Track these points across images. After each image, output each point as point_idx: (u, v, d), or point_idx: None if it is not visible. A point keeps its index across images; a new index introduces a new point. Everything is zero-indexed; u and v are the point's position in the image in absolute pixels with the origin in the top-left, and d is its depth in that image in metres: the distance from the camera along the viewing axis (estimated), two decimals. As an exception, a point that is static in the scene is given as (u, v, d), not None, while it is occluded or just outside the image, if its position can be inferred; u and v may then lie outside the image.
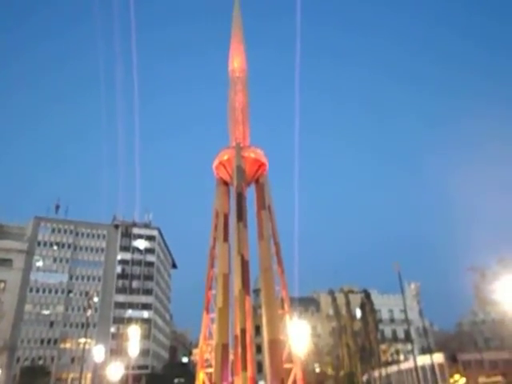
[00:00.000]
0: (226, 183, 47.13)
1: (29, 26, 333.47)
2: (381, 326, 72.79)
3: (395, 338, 77.83)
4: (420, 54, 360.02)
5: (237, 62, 50.42)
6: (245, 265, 40.01)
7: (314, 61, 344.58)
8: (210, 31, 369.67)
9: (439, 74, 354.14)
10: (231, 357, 41.80)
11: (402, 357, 71.20)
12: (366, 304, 63.64)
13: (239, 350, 38.00)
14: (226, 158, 45.63)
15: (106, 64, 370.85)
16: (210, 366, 42.27)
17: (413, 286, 44.69)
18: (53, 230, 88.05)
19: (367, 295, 65.36)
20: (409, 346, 68.89)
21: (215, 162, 46.32)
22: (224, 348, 39.20)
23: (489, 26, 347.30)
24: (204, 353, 44.06)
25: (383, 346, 67.32)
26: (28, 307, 79.53)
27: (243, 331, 37.86)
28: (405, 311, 40.19)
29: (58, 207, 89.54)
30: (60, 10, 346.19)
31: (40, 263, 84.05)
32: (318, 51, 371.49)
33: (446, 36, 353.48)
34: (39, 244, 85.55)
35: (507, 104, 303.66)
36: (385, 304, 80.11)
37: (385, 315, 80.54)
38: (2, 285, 76.95)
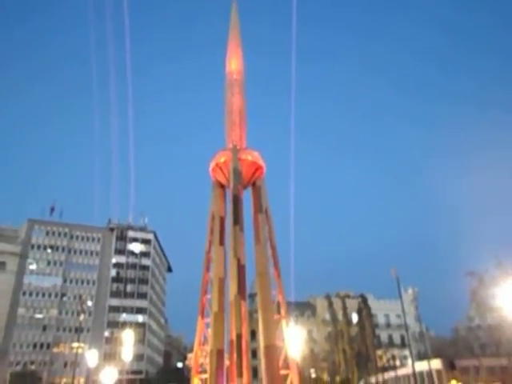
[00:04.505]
0: (222, 186, 46.64)
1: (24, 30, 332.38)
2: (377, 331, 72.26)
3: (391, 343, 77.20)
4: (420, 60, 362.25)
5: (234, 64, 50.08)
6: (241, 269, 39.45)
7: (310, 65, 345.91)
8: (204, 35, 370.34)
9: (438, 80, 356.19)
10: (226, 362, 41.18)
11: (398, 362, 70.73)
12: (363, 309, 63.23)
13: (235, 355, 37.38)
14: (222, 160, 45.15)
15: (100, 68, 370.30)
16: (205, 371, 41.62)
17: (410, 291, 44.32)
18: (47, 233, 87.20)
19: (364, 300, 64.94)
20: (405, 352, 68.52)
21: (212, 165, 45.82)
22: (219, 353, 38.55)
23: (492, 32, 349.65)
24: (199, 358, 43.42)
25: (379, 352, 66.76)
26: (21, 311, 78.57)
27: (239, 336, 37.24)
28: (403, 317, 39.76)
29: (52, 209, 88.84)
30: (54, 16, 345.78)
31: (33, 266, 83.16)
32: (314, 55, 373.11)
33: (447, 42, 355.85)
34: (33, 247, 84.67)
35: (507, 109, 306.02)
36: (381, 309, 79.61)
37: (381, 320, 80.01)
38: (-5, 288, 75.93)
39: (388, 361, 68.89)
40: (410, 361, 47.15)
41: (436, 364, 44.67)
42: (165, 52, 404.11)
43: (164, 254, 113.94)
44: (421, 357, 62.76)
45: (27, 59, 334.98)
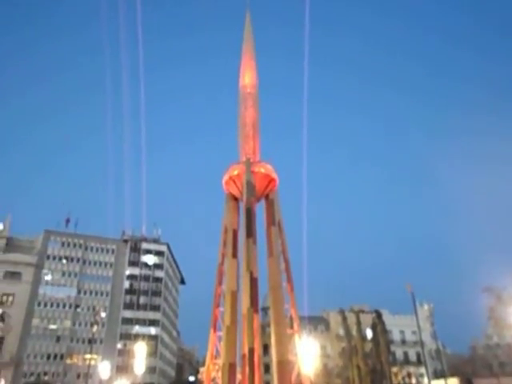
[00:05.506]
0: (235, 198, 46.76)
1: (27, 30, 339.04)
2: (392, 348, 70.83)
3: (407, 361, 75.43)
4: (430, 68, 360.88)
5: (248, 77, 50.57)
6: (253, 282, 39.27)
7: (323, 72, 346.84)
8: (215, 41, 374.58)
9: (448, 88, 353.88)
10: (239, 377, 40.77)
11: (414, 380, 69.14)
12: (378, 324, 62.22)
13: (247, 369, 36.99)
14: (235, 173, 45.37)
15: (112, 73, 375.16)
16: (217, 385, 41.27)
17: (426, 306, 43.58)
18: (62, 244, 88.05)
19: (379, 315, 63.92)
20: (421, 370, 66.98)
21: (225, 177, 46.06)
22: (231, 367, 38.25)
23: (504, 42, 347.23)
24: (211, 372, 43.10)
25: (394, 369, 65.39)
26: (35, 321, 78.99)
27: (251, 350, 36.89)
28: (419, 333, 38.97)
29: (68, 221, 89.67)
30: (63, 14, 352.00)
31: (49, 277, 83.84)
32: (327, 62, 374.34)
33: (456, 51, 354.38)
34: (48, 257, 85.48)
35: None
36: (396, 324, 77.82)
37: (396, 336, 78.18)
38: (11, 298, 76.65)
39: (403, 378, 67.38)
40: (426, 379, 46.08)
41: (453, 382, 43.61)
42: (178, 55, 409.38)
43: (177, 266, 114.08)
44: (437, 375, 61.24)
45: (28, 60, 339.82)
